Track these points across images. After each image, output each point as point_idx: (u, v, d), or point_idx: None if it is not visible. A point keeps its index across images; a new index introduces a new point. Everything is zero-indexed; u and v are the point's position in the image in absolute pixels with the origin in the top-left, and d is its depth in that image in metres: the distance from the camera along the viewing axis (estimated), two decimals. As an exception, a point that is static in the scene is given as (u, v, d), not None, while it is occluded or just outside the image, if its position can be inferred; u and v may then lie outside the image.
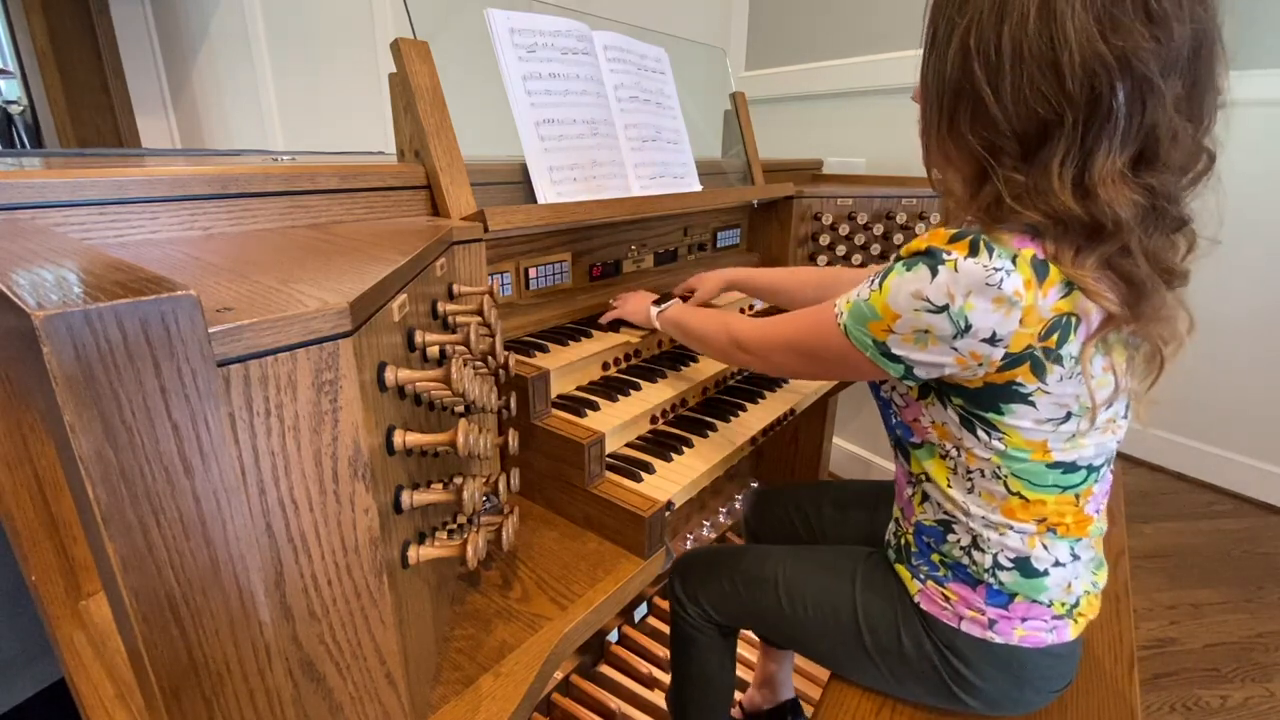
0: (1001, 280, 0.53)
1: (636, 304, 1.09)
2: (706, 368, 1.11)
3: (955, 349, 0.57)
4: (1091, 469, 0.65)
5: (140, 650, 0.34)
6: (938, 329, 0.56)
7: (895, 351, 0.60)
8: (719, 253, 1.53)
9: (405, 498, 0.50)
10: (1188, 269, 0.60)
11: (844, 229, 1.56)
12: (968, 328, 0.55)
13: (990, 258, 0.54)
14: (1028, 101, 0.53)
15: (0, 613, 1.01)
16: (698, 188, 1.32)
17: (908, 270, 0.57)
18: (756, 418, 1.05)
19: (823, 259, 1.60)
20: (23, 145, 2.79)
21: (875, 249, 1.58)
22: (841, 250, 1.58)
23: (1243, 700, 1.33)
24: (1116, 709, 0.78)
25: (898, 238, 1.55)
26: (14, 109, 2.81)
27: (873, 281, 0.61)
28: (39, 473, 0.63)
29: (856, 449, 2.20)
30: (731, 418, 1.04)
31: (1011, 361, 0.57)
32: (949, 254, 0.55)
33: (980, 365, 0.58)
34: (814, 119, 2.11)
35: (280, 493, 0.39)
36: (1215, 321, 1.86)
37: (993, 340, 0.56)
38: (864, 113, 1.96)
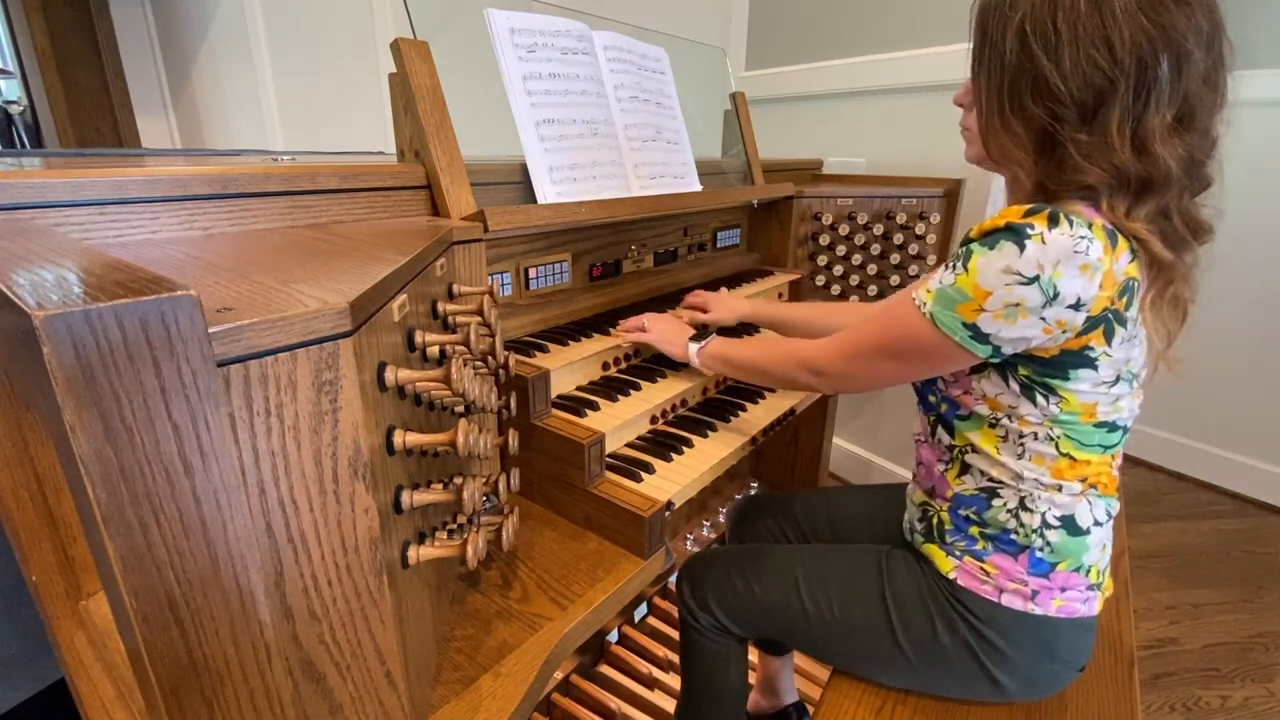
0: (1088, 248, 0.58)
1: (668, 331, 1.03)
2: (706, 368, 1.11)
3: (1043, 319, 0.60)
4: (1125, 430, 0.71)
5: (140, 650, 0.34)
6: (1028, 301, 0.59)
7: (985, 330, 0.62)
8: (719, 252, 1.53)
9: (405, 498, 0.50)
10: (1211, 225, 0.66)
11: (844, 229, 1.56)
12: (1056, 295, 0.59)
13: (1071, 227, 0.58)
14: (1085, 73, 0.60)
15: (0, 612, 1.01)
16: (698, 188, 1.32)
17: (991, 249, 0.60)
18: (757, 417, 1.05)
19: (822, 259, 1.60)
20: (23, 145, 2.78)
21: (875, 249, 1.58)
22: (841, 250, 1.58)
23: (1243, 700, 1.33)
24: (1117, 709, 0.78)
25: (898, 238, 1.55)
26: (14, 109, 2.80)
27: (954, 267, 0.63)
28: (39, 473, 0.63)
29: (856, 449, 2.20)
30: (732, 418, 1.04)
31: (1090, 325, 0.61)
32: (1032, 228, 0.59)
33: (1064, 332, 0.61)
34: (814, 119, 2.11)
35: (280, 493, 0.39)
36: (1216, 322, 1.87)
37: (1077, 305, 0.59)
38: (864, 113, 1.96)
